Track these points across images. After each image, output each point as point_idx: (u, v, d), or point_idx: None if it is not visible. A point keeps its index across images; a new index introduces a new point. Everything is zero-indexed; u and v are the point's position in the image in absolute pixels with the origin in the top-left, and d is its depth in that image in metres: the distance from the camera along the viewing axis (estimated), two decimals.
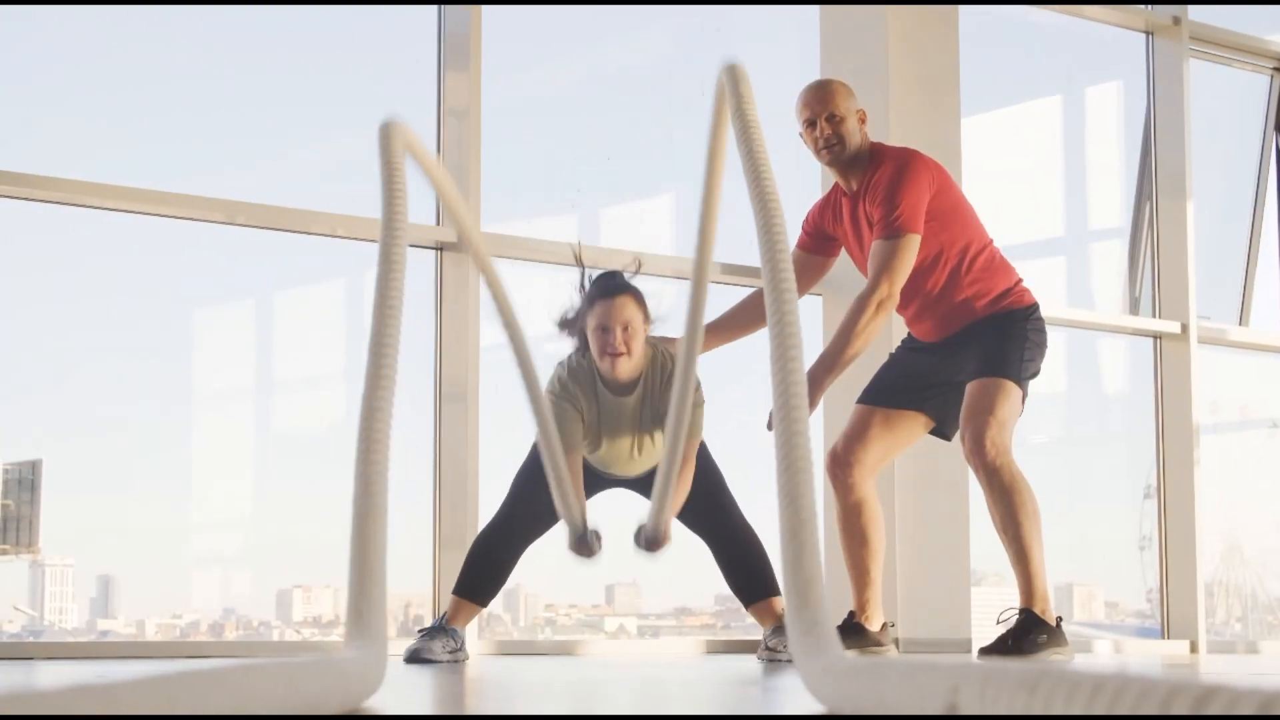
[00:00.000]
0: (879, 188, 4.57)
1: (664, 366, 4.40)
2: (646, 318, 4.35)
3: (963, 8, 6.21)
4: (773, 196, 2.08)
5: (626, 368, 4.32)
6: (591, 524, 4.18)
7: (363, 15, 5.56)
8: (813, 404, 4.42)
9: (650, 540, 4.37)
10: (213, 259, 5.43)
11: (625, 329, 4.28)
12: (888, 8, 5.99)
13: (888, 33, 5.96)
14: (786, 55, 6.45)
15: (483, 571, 4.43)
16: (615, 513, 4.83)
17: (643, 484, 4.60)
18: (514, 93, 5.82)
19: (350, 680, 1.65)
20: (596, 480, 4.61)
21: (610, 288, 4.32)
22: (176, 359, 5.44)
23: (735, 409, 6.15)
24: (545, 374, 4.44)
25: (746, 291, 5.08)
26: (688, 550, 4.54)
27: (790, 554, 1.69)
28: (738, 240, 6.36)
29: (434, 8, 5.48)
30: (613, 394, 4.39)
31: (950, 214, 4.62)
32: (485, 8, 5.41)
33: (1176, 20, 6.97)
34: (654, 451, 4.47)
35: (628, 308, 4.29)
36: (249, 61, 5.56)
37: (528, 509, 4.45)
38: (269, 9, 5.47)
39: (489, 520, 4.57)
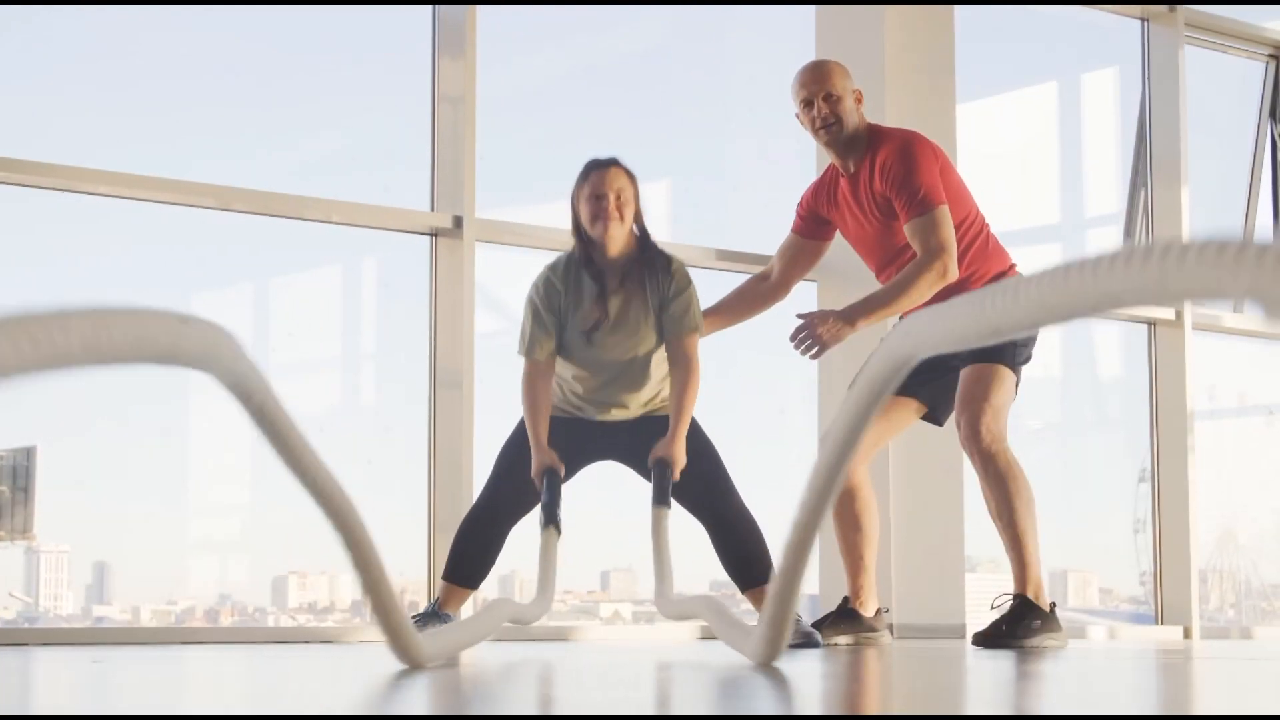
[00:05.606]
0: (890, 171, 4.55)
1: (659, 255, 4.41)
2: (638, 196, 4.39)
3: None
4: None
5: (618, 233, 4.34)
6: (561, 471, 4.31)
7: (359, 5, 5.55)
8: (852, 324, 4.49)
9: (664, 462, 4.33)
10: (209, 245, 5.42)
11: (618, 196, 4.33)
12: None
13: (884, 20, 5.96)
14: (783, 47, 6.44)
15: (470, 555, 4.41)
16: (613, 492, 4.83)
17: (635, 447, 4.49)
18: (508, 80, 5.81)
19: None
20: (588, 438, 4.51)
21: (603, 161, 4.39)
22: None
23: (730, 396, 6.16)
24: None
25: (743, 277, 5.07)
26: (683, 534, 4.53)
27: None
28: (735, 230, 6.37)
29: (429, 7, 5.46)
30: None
31: (950, 196, 4.61)
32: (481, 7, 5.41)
33: (1172, 7, 6.97)
34: (652, 384, 4.45)
35: (620, 177, 4.36)
36: (244, 50, 5.55)
37: (510, 487, 4.41)
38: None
39: (473, 503, 4.54)
